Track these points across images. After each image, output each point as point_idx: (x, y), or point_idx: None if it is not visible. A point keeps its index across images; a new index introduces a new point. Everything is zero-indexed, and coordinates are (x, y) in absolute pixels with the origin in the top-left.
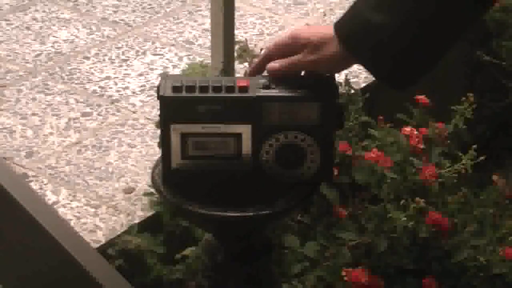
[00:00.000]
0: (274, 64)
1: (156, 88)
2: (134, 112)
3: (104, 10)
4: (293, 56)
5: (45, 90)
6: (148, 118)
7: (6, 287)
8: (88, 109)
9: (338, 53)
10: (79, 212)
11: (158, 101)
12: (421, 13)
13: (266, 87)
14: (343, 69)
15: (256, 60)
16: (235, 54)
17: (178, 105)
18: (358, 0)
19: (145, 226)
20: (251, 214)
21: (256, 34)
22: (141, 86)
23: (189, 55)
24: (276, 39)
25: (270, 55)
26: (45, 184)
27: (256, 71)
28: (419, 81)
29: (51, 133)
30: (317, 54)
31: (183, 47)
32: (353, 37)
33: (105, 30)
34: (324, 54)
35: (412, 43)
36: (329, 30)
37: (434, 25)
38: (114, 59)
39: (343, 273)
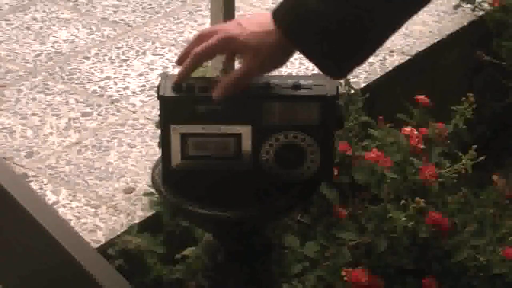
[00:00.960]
0: (219, 90)
1: (156, 88)
2: (134, 112)
3: (104, 10)
4: (236, 71)
5: (45, 90)
6: (148, 118)
7: (6, 287)
8: (88, 109)
9: (278, 45)
10: (79, 212)
11: (158, 101)
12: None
13: (266, 87)
14: (285, 62)
15: (184, 66)
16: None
17: (178, 105)
18: None
19: (145, 226)
20: (251, 214)
21: None
22: (141, 86)
23: None
24: (205, 44)
25: (200, 60)
26: (45, 184)
27: (186, 77)
28: (358, 67)
29: (51, 133)
30: (259, 57)
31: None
32: (293, 24)
33: (105, 30)
34: (267, 54)
35: (348, 30)
36: (265, 21)
37: (370, 11)
38: (114, 59)
39: (343, 273)
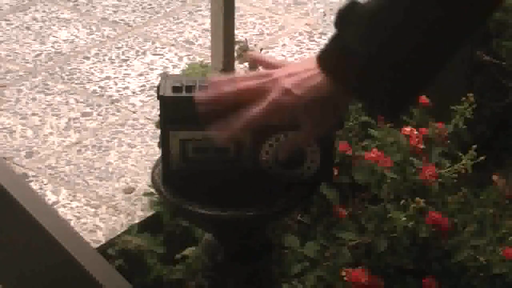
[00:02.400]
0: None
1: (156, 88)
2: (134, 112)
3: (104, 10)
4: (298, 134)
5: (45, 90)
6: (148, 118)
7: (6, 287)
8: (88, 109)
9: (327, 94)
10: (79, 212)
11: (158, 101)
12: (407, 41)
13: None
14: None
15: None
16: (235, 54)
17: (178, 105)
18: (341, 32)
19: (145, 226)
20: (251, 214)
21: (256, 34)
22: (141, 86)
23: (189, 55)
24: (249, 117)
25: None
26: (45, 184)
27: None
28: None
29: (51, 133)
30: (316, 121)
31: (183, 47)
32: (341, 69)
33: (105, 30)
34: (322, 114)
35: (399, 73)
36: (310, 70)
37: (422, 52)
38: (114, 59)
39: (343, 273)
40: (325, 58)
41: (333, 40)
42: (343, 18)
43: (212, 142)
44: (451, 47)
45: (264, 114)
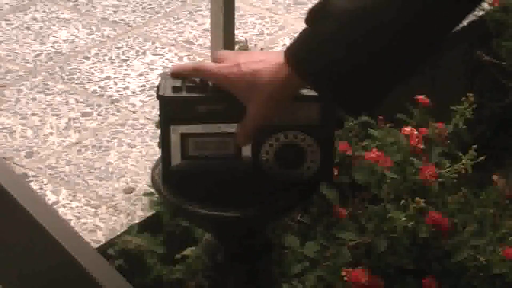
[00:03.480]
0: (239, 143)
1: (156, 88)
2: (134, 112)
3: (104, 10)
4: (246, 121)
5: (45, 90)
6: (148, 118)
7: (6, 287)
8: (88, 109)
9: (283, 82)
10: (79, 212)
11: (158, 101)
12: (374, 42)
13: None
14: (288, 100)
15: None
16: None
17: (178, 105)
18: (312, 29)
19: (145, 226)
20: (251, 214)
21: (256, 34)
22: (141, 86)
23: (189, 55)
24: (204, 68)
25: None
26: (45, 184)
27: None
28: (376, 106)
29: (51, 133)
30: (268, 103)
31: (183, 47)
32: (310, 65)
33: (105, 30)
34: (268, 96)
35: (365, 73)
36: (275, 60)
37: (387, 52)
38: (114, 59)
39: (343, 273)
40: (293, 52)
41: (302, 36)
42: (315, 15)
43: (212, 138)
44: (421, 52)
45: (211, 73)
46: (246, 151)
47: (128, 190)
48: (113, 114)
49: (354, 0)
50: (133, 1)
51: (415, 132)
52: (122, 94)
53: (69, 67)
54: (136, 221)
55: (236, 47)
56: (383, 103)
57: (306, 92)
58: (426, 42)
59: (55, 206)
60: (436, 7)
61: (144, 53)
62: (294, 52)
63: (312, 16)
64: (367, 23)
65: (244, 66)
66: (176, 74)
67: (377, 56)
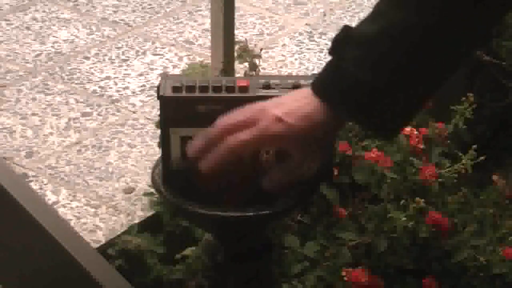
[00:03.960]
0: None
1: (156, 88)
2: (134, 112)
3: (104, 10)
4: (289, 164)
5: (45, 90)
6: (148, 118)
7: (6, 287)
8: (88, 109)
9: (325, 120)
10: (79, 212)
11: (158, 101)
12: (404, 69)
13: (266, 87)
14: (329, 136)
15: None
16: (235, 54)
17: (178, 105)
18: (334, 57)
19: (145, 226)
20: (251, 214)
21: (256, 34)
22: (141, 86)
23: (189, 55)
24: (234, 144)
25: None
26: (45, 184)
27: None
28: (408, 124)
29: (51, 133)
30: (308, 149)
31: (183, 47)
32: (337, 94)
33: (105, 30)
34: (316, 143)
35: (389, 96)
36: (305, 100)
37: (418, 79)
38: (114, 59)
39: (343, 273)
40: (321, 84)
41: (329, 67)
42: (337, 44)
43: None
44: (444, 66)
45: (253, 141)
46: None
47: (128, 190)
48: (113, 114)
49: (373, 24)
50: (133, 1)
51: (415, 132)
52: (122, 94)
53: (69, 67)
54: (136, 221)
55: (236, 47)
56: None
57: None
58: (448, 57)
59: (55, 206)
60: (449, 19)
61: (144, 53)
62: (322, 85)
63: (335, 46)
64: (387, 44)
65: (286, 117)
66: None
67: (403, 75)
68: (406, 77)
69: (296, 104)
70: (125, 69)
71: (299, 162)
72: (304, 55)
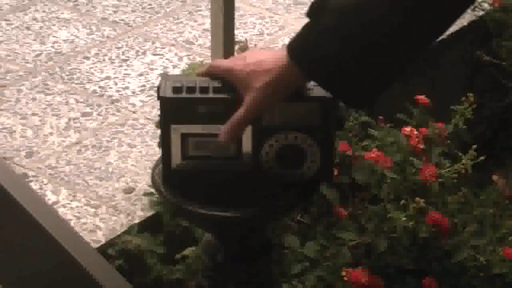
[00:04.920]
0: (224, 135)
1: (156, 89)
2: (134, 112)
3: (104, 10)
4: (236, 113)
5: (45, 90)
6: (148, 118)
7: (6, 287)
8: (88, 109)
9: (283, 72)
10: (79, 212)
11: (158, 101)
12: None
13: None
14: (287, 95)
15: (203, 71)
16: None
17: (178, 106)
18: (312, 23)
19: (145, 226)
20: (251, 214)
21: (256, 34)
22: (141, 86)
23: (189, 55)
24: (214, 64)
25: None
26: (45, 184)
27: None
28: (372, 101)
29: (51, 133)
30: (259, 92)
31: (183, 47)
32: (308, 57)
33: (105, 30)
34: (270, 85)
35: (357, 67)
36: (276, 56)
37: (388, 44)
38: (114, 59)
39: (343, 273)
40: (292, 43)
41: (303, 29)
42: (315, 10)
43: (212, 138)
44: (413, 48)
45: (219, 69)
46: (246, 151)
47: (128, 190)
48: (113, 114)
49: None
50: (133, 1)
51: (415, 132)
52: (122, 94)
53: (69, 67)
54: (136, 221)
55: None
56: (381, 100)
57: (306, 92)
58: (417, 39)
59: (55, 206)
60: (426, 2)
61: (144, 53)
62: (294, 44)
63: (312, 11)
64: (360, 18)
65: (249, 58)
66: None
67: (370, 50)
68: (375, 53)
69: (267, 52)
70: (125, 69)
71: (246, 102)
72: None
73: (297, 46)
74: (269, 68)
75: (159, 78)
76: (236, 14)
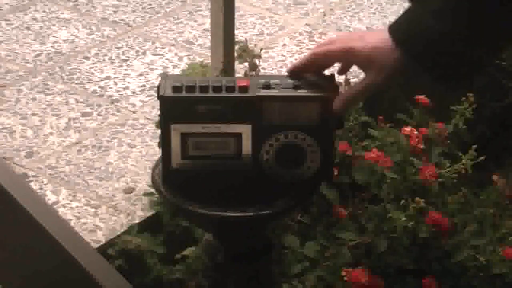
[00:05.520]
0: (340, 103)
1: (156, 88)
2: (134, 112)
3: (104, 10)
4: (358, 85)
5: (45, 90)
6: (148, 118)
7: (6, 287)
8: (88, 109)
9: (400, 64)
10: (79, 212)
11: (158, 101)
12: (476, 19)
13: (266, 87)
14: (400, 79)
15: (299, 60)
16: (235, 54)
17: (178, 105)
18: (416, 6)
19: (145, 226)
20: (251, 214)
21: (256, 34)
22: (141, 86)
23: (189, 55)
24: (327, 47)
25: (317, 62)
26: (45, 184)
27: (297, 70)
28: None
29: (51, 133)
30: (384, 73)
31: (183, 47)
32: (414, 42)
33: (105, 30)
34: (390, 71)
35: (467, 49)
36: (384, 37)
37: (487, 28)
38: (114, 59)
39: (343, 273)
40: (397, 28)
41: (407, 13)
42: None
43: (212, 138)
44: None
45: (337, 51)
46: (246, 151)
47: (128, 190)
48: (113, 114)
49: None
50: (133, 1)
51: (415, 132)
52: (122, 94)
53: (69, 67)
54: (136, 221)
55: (236, 47)
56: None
57: (306, 92)
58: None
59: (55, 206)
60: None
61: (144, 53)
62: (398, 28)
63: None
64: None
65: (366, 38)
66: (297, 70)
67: (482, 28)
68: (486, 30)
69: (376, 34)
70: (125, 69)
71: (371, 81)
72: (304, 55)
73: (403, 32)
74: (384, 60)
75: (159, 78)
76: (236, 14)
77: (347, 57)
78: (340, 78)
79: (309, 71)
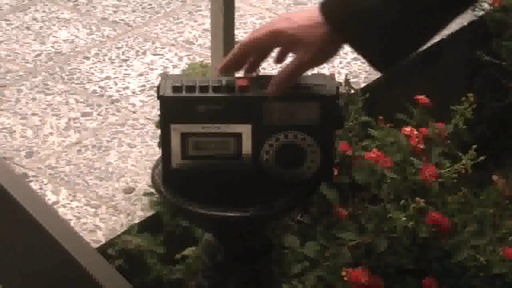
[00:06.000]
0: (273, 87)
1: (156, 88)
2: (134, 112)
3: (104, 10)
4: (287, 65)
5: (45, 90)
6: (148, 118)
7: (6, 287)
8: (88, 109)
9: (327, 39)
10: (79, 212)
11: (158, 101)
12: None
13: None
14: (334, 54)
15: (229, 56)
16: None
17: (178, 105)
18: None
19: (145, 226)
20: (251, 214)
21: None
22: (141, 86)
23: (189, 55)
24: (252, 35)
25: (246, 52)
26: (45, 184)
27: (230, 67)
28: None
29: (51, 133)
30: (311, 50)
31: (183, 47)
32: (343, 19)
33: (105, 30)
34: (318, 47)
35: (399, 25)
36: (313, 14)
37: (419, 6)
38: (114, 59)
39: (343, 273)
40: (327, 4)
41: None
42: None
43: (212, 138)
44: (452, 11)
45: (262, 36)
46: (246, 151)
47: (128, 190)
48: (113, 114)
49: None
50: (133, 1)
51: (415, 132)
52: (122, 94)
53: (69, 67)
54: (136, 221)
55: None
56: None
57: (306, 92)
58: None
59: (55, 206)
60: None
61: (144, 53)
62: (329, 8)
63: None
64: None
65: (293, 18)
66: (230, 66)
67: (410, 11)
68: (413, 15)
69: (303, 13)
70: (125, 69)
71: (299, 61)
72: (232, 50)
73: (332, 6)
74: (313, 36)
75: (159, 78)
76: (236, 14)
77: (275, 39)
78: (340, 78)
79: (244, 64)
